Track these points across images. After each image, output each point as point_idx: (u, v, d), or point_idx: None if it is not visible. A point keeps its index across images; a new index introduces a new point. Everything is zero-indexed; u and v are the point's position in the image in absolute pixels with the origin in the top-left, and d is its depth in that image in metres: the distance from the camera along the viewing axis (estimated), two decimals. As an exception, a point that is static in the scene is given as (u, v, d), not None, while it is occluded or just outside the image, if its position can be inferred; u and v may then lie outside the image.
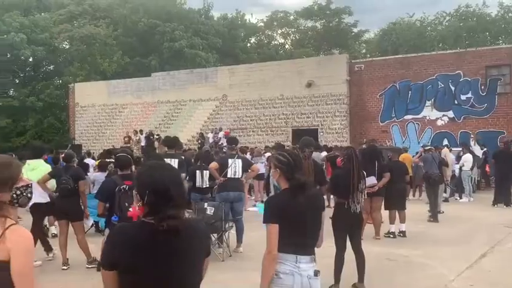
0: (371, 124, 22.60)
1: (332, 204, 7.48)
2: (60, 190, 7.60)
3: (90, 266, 7.53)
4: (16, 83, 35.86)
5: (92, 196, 8.41)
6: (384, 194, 9.55)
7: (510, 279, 6.98)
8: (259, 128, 24.64)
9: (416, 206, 12.99)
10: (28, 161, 8.36)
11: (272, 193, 13.22)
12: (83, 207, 7.75)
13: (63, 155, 9.24)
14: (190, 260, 2.35)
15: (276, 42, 49.10)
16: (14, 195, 2.50)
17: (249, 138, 24.07)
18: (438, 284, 6.76)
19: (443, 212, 12.82)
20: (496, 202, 14.58)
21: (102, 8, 38.88)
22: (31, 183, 2.65)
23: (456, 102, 21.05)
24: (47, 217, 9.26)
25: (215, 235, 8.46)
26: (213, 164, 8.79)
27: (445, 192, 15.15)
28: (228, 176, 8.51)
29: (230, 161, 8.62)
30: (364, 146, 14.07)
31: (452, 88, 21.08)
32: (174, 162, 8.34)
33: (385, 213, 10.07)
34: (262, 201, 14.42)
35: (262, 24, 48.46)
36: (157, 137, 24.06)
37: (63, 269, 7.52)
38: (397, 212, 10.10)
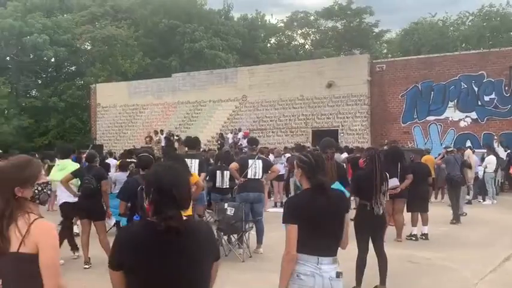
0: (392, 125, 22.38)
1: (353, 206, 7.42)
2: (82, 190, 7.67)
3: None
4: (39, 84, 36.39)
5: (114, 196, 8.48)
6: (406, 196, 9.46)
7: (536, 284, 6.84)
8: (279, 129, 24.59)
9: (438, 208, 12.82)
10: (57, 161, 8.58)
11: (292, 194, 13.22)
12: (105, 206, 7.81)
13: (85, 155, 9.35)
14: (192, 261, 2.33)
15: (296, 43, 48.95)
16: (36, 191, 2.62)
17: (268, 139, 24.01)
18: (462, 287, 6.66)
19: (466, 214, 12.65)
20: (520, 204, 14.35)
21: (124, 9, 39.21)
22: (50, 181, 2.79)
23: (479, 103, 20.72)
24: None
25: (235, 236, 8.47)
26: (233, 165, 8.79)
27: (468, 194, 14.94)
28: (248, 176, 8.48)
29: (250, 161, 8.60)
30: (385, 147, 13.95)
31: (476, 89, 20.75)
32: (195, 163, 8.36)
33: (407, 215, 9.97)
34: (281, 203, 14.40)
35: (282, 24, 48.37)
36: (177, 137, 24.18)
37: (85, 268, 7.59)
38: (419, 214, 9.99)
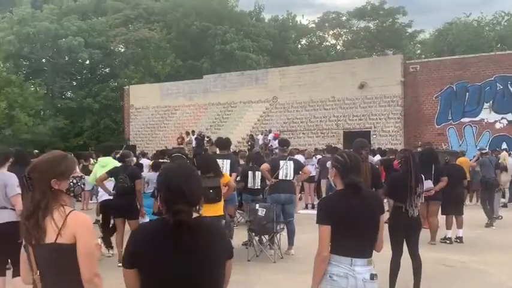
0: (426, 127, 22.04)
1: (386, 208, 7.34)
2: (117, 189, 7.78)
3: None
4: (74, 85, 37.19)
5: (147, 195, 8.59)
6: (441, 198, 9.32)
7: None
8: (310, 130, 24.50)
9: (473, 211, 12.54)
10: (99, 159, 8.91)
11: (324, 195, 13.15)
12: (139, 205, 7.91)
13: (119, 155, 9.54)
14: (205, 258, 2.32)
15: (327, 43, 48.65)
16: (71, 184, 2.77)
17: (299, 141, 23.92)
18: (498, 291, 6.52)
19: (501, 217, 12.38)
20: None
21: (156, 12, 39.71)
22: (84, 176, 2.97)
23: (516, 104, 20.27)
24: None
25: (266, 236, 8.48)
26: (265, 165, 8.80)
27: (503, 197, 14.60)
28: (280, 177, 8.49)
29: (282, 162, 8.60)
30: (419, 149, 13.74)
31: (512, 90, 20.31)
32: (227, 163, 8.41)
33: (441, 218, 9.80)
34: (312, 205, 14.33)
35: (313, 25, 48.17)
36: (207, 139, 24.34)
37: (120, 266, 7.68)
38: (454, 217, 9.82)
